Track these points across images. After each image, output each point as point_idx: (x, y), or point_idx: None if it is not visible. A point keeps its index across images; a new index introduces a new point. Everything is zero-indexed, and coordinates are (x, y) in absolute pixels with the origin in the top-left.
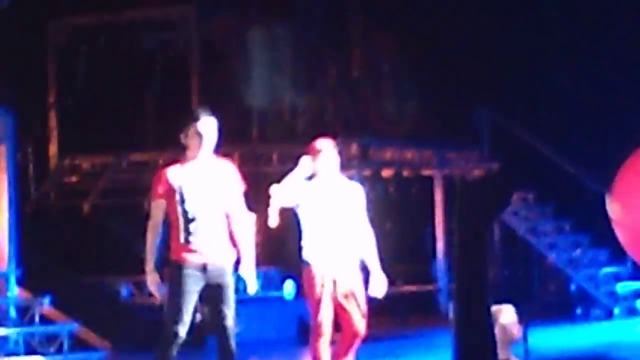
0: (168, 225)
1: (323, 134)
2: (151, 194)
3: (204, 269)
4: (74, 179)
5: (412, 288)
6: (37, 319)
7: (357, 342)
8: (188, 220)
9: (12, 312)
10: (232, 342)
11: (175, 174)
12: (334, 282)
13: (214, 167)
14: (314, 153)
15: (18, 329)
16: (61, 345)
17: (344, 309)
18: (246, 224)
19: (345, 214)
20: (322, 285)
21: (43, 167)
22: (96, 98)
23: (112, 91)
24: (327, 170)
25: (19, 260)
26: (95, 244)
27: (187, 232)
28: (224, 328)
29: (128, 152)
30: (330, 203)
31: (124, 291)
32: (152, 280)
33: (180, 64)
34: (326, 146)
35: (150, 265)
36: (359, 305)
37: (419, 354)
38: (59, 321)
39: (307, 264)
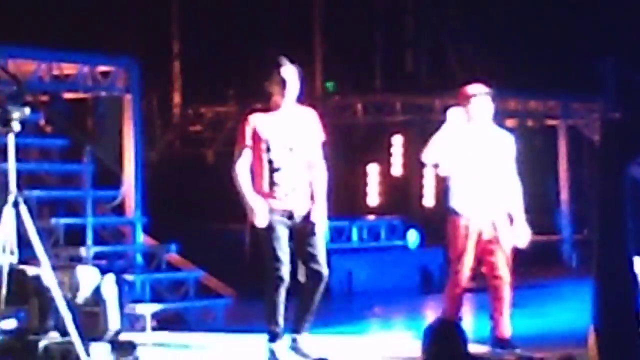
0: (251, 172)
1: (445, 84)
2: (238, 140)
3: (290, 216)
4: (198, 127)
5: (536, 238)
6: (163, 266)
7: (506, 290)
8: (273, 170)
9: (139, 259)
10: (322, 287)
11: (261, 122)
12: (480, 233)
13: (298, 117)
14: (466, 98)
15: (144, 276)
16: (187, 292)
17: (488, 256)
18: (323, 173)
19: (496, 164)
20: (466, 236)
21: (167, 116)
22: (219, 48)
23: (236, 41)
24: (479, 117)
25: (145, 208)
26: (220, 192)
27: (272, 181)
28: (315, 273)
29: (250, 100)
30: (482, 152)
31: (248, 239)
32: (263, 214)
33: (304, 15)
34: (479, 91)
35: (257, 201)
36: (504, 252)
37: (544, 304)
38: (184, 268)
39: (454, 212)
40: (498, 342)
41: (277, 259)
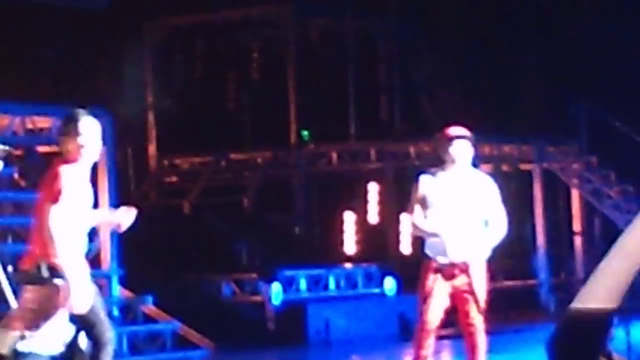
0: None
1: (420, 131)
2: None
3: None
4: (173, 178)
5: (513, 283)
6: (139, 318)
7: (480, 337)
8: None
9: (115, 312)
10: None
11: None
12: (452, 277)
13: None
14: (447, 141)
15: (121, 329)
16: (164, 343)
17: (461, 304)
18: None
19: (473, 209)
20: (435, 280)
21: (143, 167)
22: (193, 98)
23: (210, 91)
24: (458, 160)
25: (120, 260)
26: (196, 243)
27: None
28: None
29: (227, 151)
30: (458, 197)
31: (225, 289)
32: None
33: (277, 63)
34: (460, 134)
35: None
36: (476, 301)
37: (520, 349)
38: (161, 320)
39: (427, 256)
40: None
41: None
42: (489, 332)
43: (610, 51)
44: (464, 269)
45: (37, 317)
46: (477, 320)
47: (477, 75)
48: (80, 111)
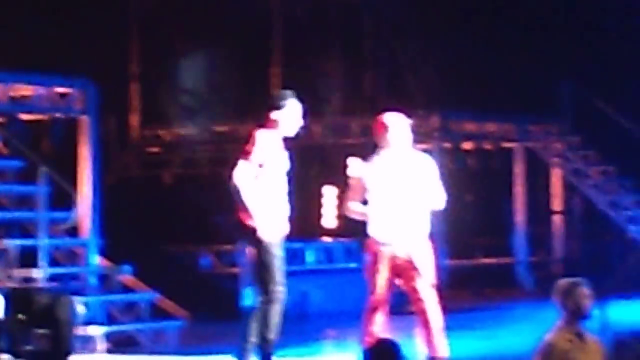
0: None
1: (404, 106)
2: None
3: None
4: (155, 149)
5: (491, 261)
6: (117, 287)
7: (431, 312)
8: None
9: (93, 281)
10: None
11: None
12: (392, 257)
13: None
14: (384, 127)
15: (98, 297)
16: (140, 313)
17: (407, 282)
18: None
19: (412, 189)
20: (378, 260)
21: (125, 138)
22: (177, 70)
23: (193, 63)
24: (396, 144)
25: (100, 230)
26: (176, 214)
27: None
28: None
29: (209, 123)
30: (396, 179)
31: (203, 261)
32: None
33: (263, 36)
34: (396, 120)
35: None
36: (422, 275)
37: (497, 327)
38: (138, 290)
39: (370, 236)
40: None
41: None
42: (465, 309)
43: (596, 31)
44: (407, 247)
45: None
46: (426, 296)
47: (461, 52)
48: (289, 92)
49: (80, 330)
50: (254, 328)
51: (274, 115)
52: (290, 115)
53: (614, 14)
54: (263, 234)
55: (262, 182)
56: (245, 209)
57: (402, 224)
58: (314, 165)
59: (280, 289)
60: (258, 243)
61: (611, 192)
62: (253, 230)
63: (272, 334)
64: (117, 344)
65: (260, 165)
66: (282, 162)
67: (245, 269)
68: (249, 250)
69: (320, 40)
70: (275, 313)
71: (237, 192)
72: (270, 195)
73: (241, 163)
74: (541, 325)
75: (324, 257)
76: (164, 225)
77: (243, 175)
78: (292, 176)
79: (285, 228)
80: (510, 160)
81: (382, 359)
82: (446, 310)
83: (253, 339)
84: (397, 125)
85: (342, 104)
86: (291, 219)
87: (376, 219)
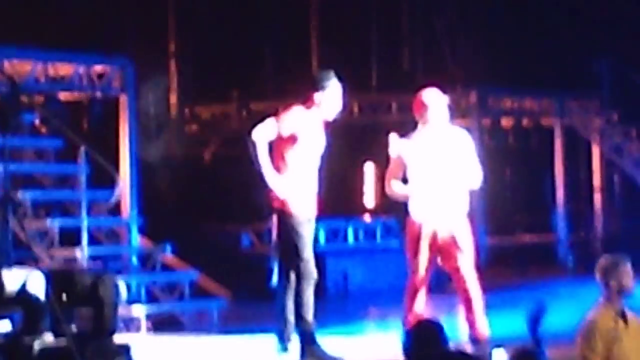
0: None
1: (442, 83)
2: None
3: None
4: (194, 127)
5: (532, 238)
6: (158, 267)
7: (473, 290)
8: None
9: (134, 260)
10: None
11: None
12: (434, 235)
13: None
14: (422, 105)
15: (139, 277)
16: (182, 293)
17: (448, 260)
18: None
19: (451, 166)
20: (420, 238)
21: (164, 116)
22: (216, 47)
23: (232, 40)
24: (434, 122)
25: (140, 209)
26: (216, 193)
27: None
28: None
29: (248, 101)
30: (435, 156)
31: (244, 240)
32: None
33: (300, 15)
34: (435, 97)
35: None
36: (464, 253)
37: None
38: (179, 269)
39: (409, 215)
40: (476, 342)
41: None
42: (505, 287)
43: (636, 6)
44: (447, 225)
45: None
46: (467, 274)
47: (500, 28)
48: (331, 73)
49: (123, 310)
50: (289, 307)
51: (316, 96)
52: (331, 97)
53: None
54: (290, 209)
55: (293, 158)
56: (258, 165)
57: (442, 202)
58: (354, 143)
59: (309, 265)
60: (285, 219)
61: None
62: (281, 206)
63: (309, 313)
64: (159, 323)
65: (294, 141)
66: (316, 142)
67: (273, 246)
68: (277, 227)
69: (358, 17)
70: (308, 291)
71: (254, 146)
72: (300, 173)
73: (267, 121)
74: (582, 303)
75: (364, 235)
76: (204, 203)
77: (262, 131)
78: (332, 154)
79: (314, 207)
80: (549, 137)
81: (424, 340)
82: (486, 288)
83: (291, 317)
84: (435, 103)
85: (380, 80)
86: (332, 197)
87: (416, 197)
